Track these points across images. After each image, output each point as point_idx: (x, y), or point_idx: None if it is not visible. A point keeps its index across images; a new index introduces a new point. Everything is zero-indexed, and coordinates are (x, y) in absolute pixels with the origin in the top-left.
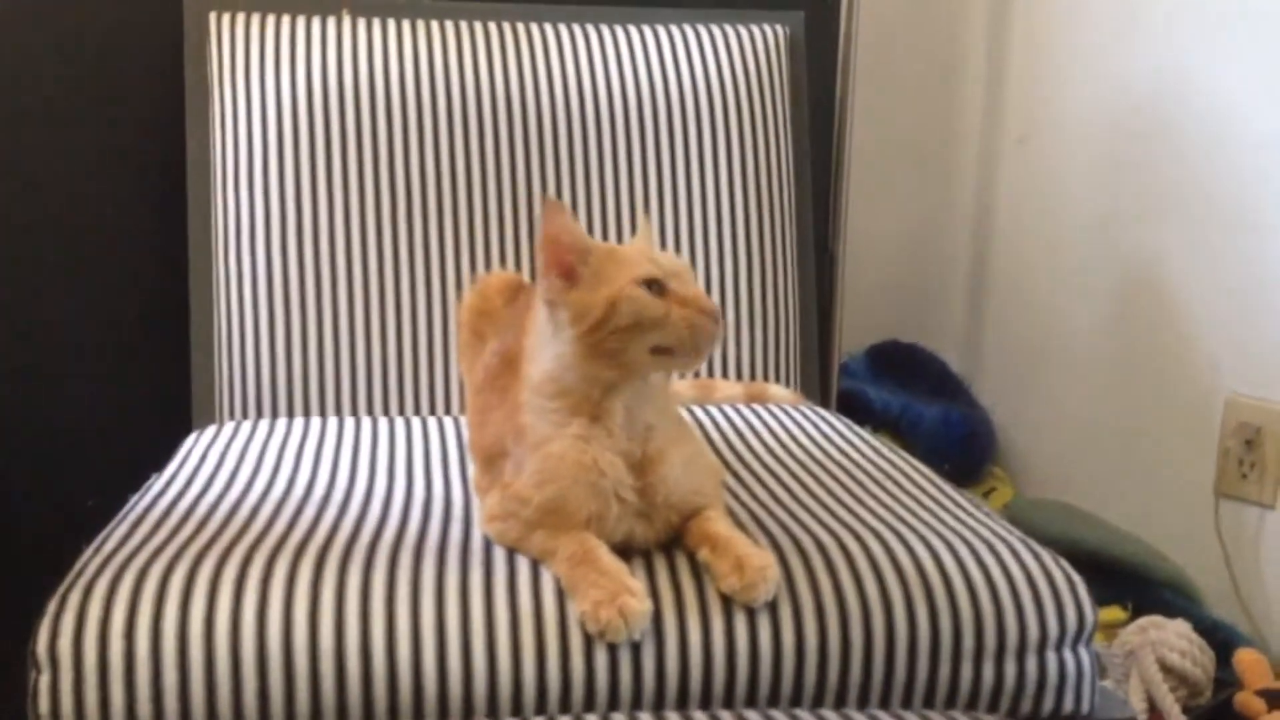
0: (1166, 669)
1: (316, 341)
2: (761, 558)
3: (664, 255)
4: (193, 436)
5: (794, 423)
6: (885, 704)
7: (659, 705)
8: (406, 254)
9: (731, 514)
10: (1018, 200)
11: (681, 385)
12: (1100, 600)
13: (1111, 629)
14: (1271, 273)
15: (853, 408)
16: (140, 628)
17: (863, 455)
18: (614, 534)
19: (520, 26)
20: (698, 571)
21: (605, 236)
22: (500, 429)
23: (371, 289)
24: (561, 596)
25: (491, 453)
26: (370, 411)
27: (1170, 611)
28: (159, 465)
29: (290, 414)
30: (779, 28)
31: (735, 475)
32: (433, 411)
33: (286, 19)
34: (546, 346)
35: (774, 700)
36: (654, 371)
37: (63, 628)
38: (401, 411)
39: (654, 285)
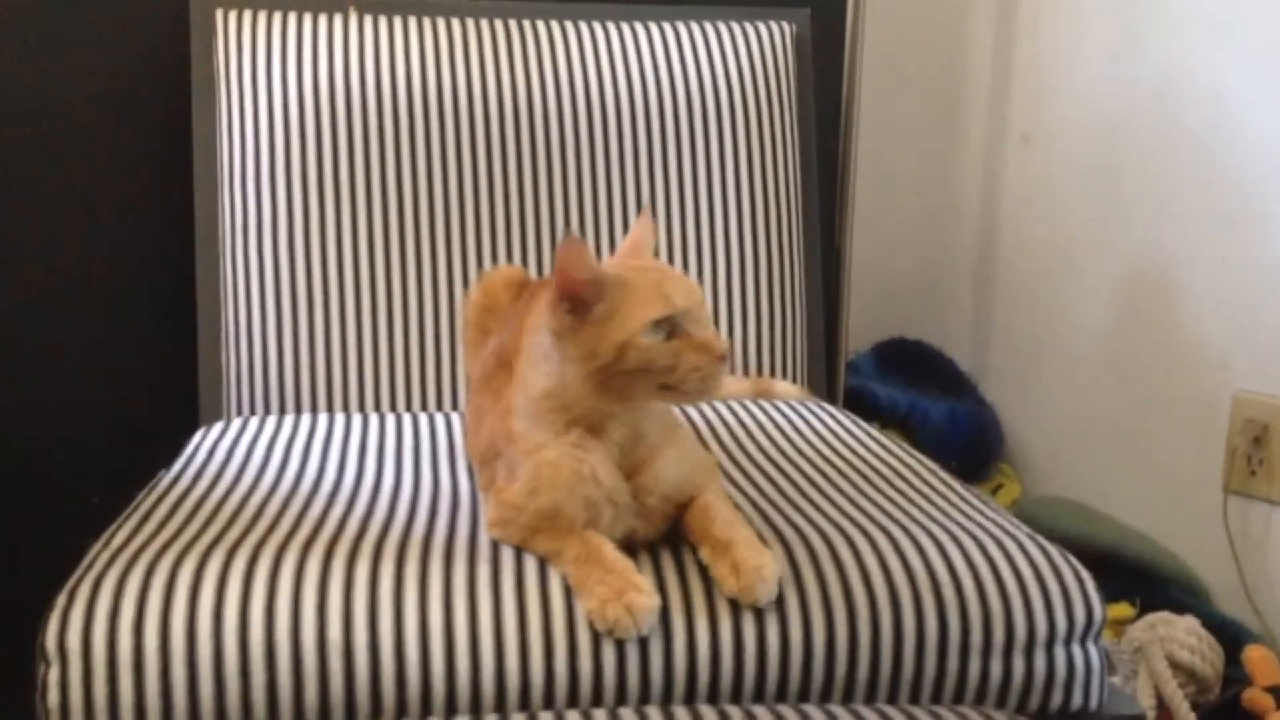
0: (1175, 665)
1: (324, 338)
2: (757, 557)
3: (678, 281)
4: (200, 432)
5: (801, 419)
6: (893, 700)
7: (667, 700)
8: (413, 250)
9: (737, 508)
10: (1023, 198)
11: None
12: (1108, 597)
13: (1120, 625)
14: (1278, 269)
15: (860, 405)
16: (149, 622)
17: (870, 451)
18: (612, 534)
19: (526, 23)
20: (704, 566)
21: (611, 232)
22: (493, 430)
23: (379, 285)
24: (569, 592)
25: (487, 455)
26: (377, 407)
27: (1178, 608)
28: (166, 462)
29: (297, 410)
30: (785, 25)
31: (742, 471)
32: (440, 407)
33: (293, 16)
34: (550, 365)
35: (782, 696)
36: (658, 403)
37: (71, 621)
38: (409, 407)
39: (665, 324)
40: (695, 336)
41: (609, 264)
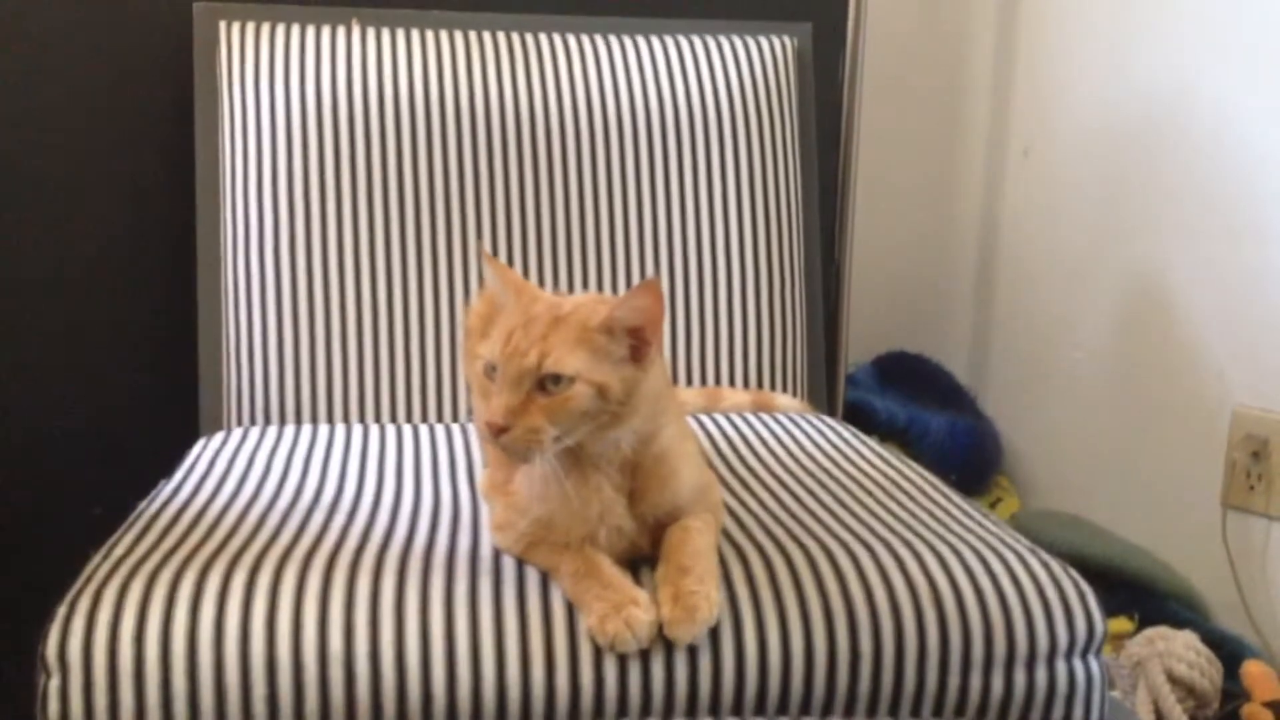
0: (1174, 680)
1: (324, 348)
2: (698, 598)
3: (523, 336)
4: (201, 443)
5: (801, 432)
6: (894, 713)
7: (668, 713)
8: (415, 261)
9: (739, 523)
10: (1023, 212)
11: (689, 393)
12: (1107, 611)
13: (1119, 640)
14: (1278, 284)
15: (859, 418)
16: (150, 633)
17: (870, 464)
18: (613, 550)
19: (528, 37)
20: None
21: (611, 243)
22: None
23: (379, 296)
24: (570, 605)
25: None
26: (378, 418)
27: (1177, 623)
28: (167, 472)
29: (298, 421)
30: (787, 39)
31: (742, 483)
32: (440, 419)
33: (296, 29)
34: None
35: (783, 708)
36: (672, 426)
37: (72, 632)
38: (409, 418)
39: (491, 371)
40: (492, 393)
41: (559, 295)
